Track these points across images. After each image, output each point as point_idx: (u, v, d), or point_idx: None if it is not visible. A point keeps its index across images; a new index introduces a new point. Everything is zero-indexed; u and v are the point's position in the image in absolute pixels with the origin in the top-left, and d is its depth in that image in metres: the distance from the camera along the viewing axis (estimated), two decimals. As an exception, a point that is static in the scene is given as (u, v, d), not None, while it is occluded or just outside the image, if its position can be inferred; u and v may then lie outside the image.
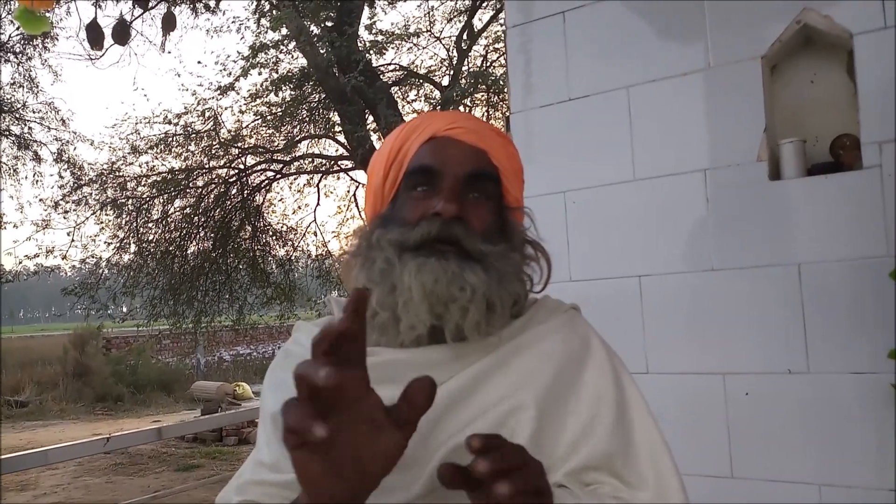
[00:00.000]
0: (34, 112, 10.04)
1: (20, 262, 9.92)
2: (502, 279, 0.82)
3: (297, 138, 9.48)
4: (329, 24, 7.79)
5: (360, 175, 9.57)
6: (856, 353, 1.81)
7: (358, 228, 0.92)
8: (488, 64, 8.86)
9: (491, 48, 8.98)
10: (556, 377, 0.83)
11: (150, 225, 9.23)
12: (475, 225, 0.83)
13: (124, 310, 10.25)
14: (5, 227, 9.89)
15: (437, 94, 8.78)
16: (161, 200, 9.17)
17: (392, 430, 0.59)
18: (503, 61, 8.27)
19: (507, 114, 2.49)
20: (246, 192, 9.41)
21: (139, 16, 7.21)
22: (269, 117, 9.14)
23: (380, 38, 8.22)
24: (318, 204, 10.13)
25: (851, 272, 1.83)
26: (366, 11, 8.07)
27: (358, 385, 0.58)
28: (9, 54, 9.21)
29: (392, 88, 8.50)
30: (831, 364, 1.84)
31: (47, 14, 3.60)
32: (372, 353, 0.85)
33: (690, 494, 0.82)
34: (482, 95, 8.86)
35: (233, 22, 8.91)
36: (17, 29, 8.95)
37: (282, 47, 8.26)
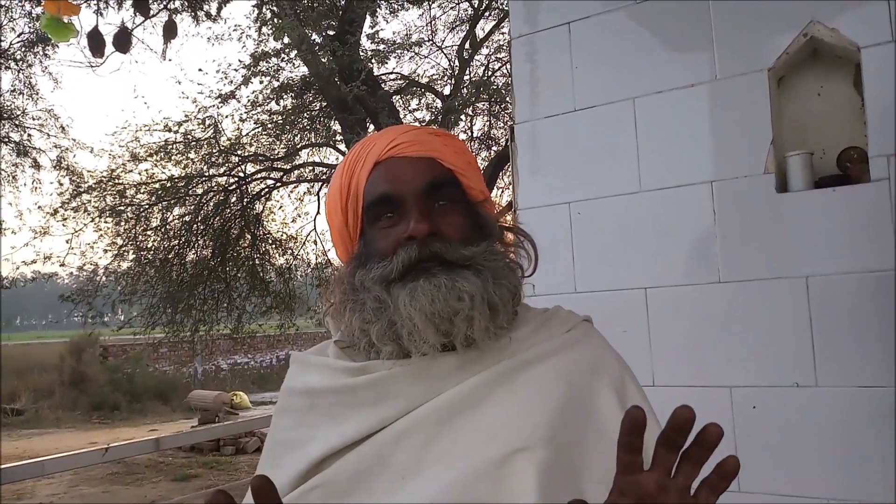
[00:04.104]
0: (34, 119, 10.02)
1: (17, 269, 9.85)
2: (496, 276, 0.81)
3: (298, 147, 9.47)
4: (331, 32, 7.81)
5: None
6: (864, 366, 1.80)
7: (338, 276, 0.90)
8: (490, 73, 8.88)
9: (493, 57, 9.00)
10: (566, 402, 0.81)
11: (148, 233, 9.20)
12: (451, 234, 0.82)
13: (121, 318, 10.20)
14: (4, 234, 9.86)
15: (438, 103, 8.79)
16: (160, 208, 9.15)
17: None
18: (505, 70, 8.29)
19: (511, 124, 2.49)
20: (245, 200, 9.39)
21: (140, 23, 7.21)
22: (269, 126, 9.13)
23: (381, 46, 8.23)
24: (318, 212, 9.94)
25: (859, 285, 1.82)
26: (368, 20, 8.09)
27: None
28: (9, 61, 9.20)
29: (394, 97, 8.51)
30: (839, 377, 1.83)
31: (73, 21, 3.57)
32: (365, 368, 0.83)
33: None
34: (484, 105, 8.88)
35: (234, 30, 8.93)
36: (18, 36, 8.95)
37: (283, 56, 8.27)
